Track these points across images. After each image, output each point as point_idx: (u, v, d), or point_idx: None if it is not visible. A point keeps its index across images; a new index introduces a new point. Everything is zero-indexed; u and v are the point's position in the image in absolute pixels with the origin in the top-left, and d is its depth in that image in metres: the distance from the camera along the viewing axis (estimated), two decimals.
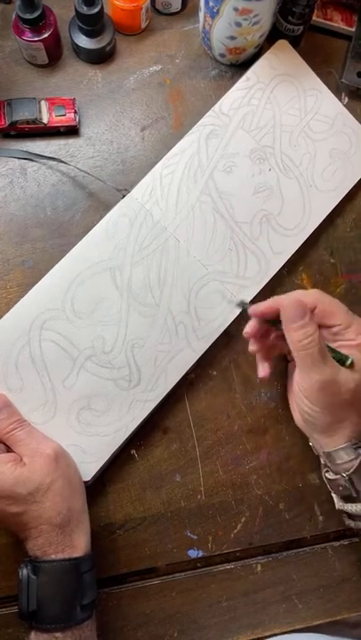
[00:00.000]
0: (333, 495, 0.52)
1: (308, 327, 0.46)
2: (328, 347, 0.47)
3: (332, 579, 0.57)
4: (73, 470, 0.49)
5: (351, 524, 0.52)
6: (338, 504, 0.52)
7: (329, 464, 0.51)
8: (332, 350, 0.48)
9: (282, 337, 0.48)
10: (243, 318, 0.53)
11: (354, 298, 0.61)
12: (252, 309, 0.49)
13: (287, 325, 0.47)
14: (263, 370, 0.52)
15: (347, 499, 0.50)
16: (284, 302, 0.47)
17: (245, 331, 0.50)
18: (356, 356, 0.47)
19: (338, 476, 0.49)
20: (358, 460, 0.48)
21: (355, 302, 0.61)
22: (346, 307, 0.49)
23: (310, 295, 0.49)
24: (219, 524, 0.56)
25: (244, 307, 0.52)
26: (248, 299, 0.55)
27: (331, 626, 0.58)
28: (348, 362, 0.47)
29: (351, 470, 0.48)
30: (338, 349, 0.48)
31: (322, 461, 0.53)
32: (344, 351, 0.48)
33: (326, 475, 0.52)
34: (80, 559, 0.46)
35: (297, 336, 0.46)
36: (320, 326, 0.48)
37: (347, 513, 0.52)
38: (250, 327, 0.50)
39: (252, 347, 0.51)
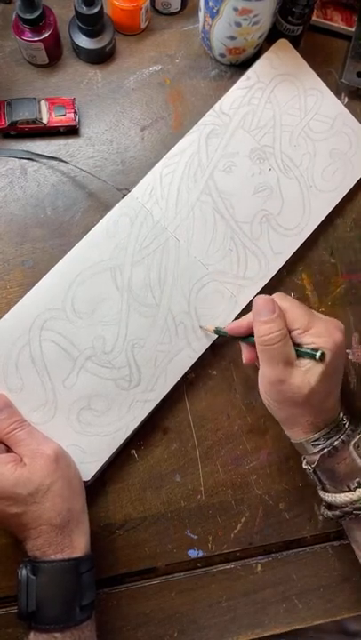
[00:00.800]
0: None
1: (273, 324, 0.46)
2: (297, 348, 0.47)
3: (333, 579, 0.57)
4: (73, 471, 0.49)
5: (325, 512, 0.52)
6: (318, 487, 0.52)
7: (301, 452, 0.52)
8: (301, 347, 0.47)
9: None
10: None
11: (354, 298, 0.61)
12: (228, 328, 0.52)
13: (255, 318, 0.48)
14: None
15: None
16: (256, 299, 0.48)
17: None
18: (313, 361, 0.47)
19: (307, 466, 0.51)
20: (318, 457, 0.48)
21: (355, 302, 0.61)
22: (307, 309, 0.49)
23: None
24: (219, 524, 0.56)
25: (220, 333, 0.53)
26: (222, 326, 0.54)
27: (329, 635, 0.58)
28: (318, 355, 0.46)
29: (314, 464, 0.49)
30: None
31: None
32: None
33: (303, 461, 0.52)
34: (79, 559, 0.46)
35: (260, 330, 0.47)
36: None
37: (325, 502, 0.52)
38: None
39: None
